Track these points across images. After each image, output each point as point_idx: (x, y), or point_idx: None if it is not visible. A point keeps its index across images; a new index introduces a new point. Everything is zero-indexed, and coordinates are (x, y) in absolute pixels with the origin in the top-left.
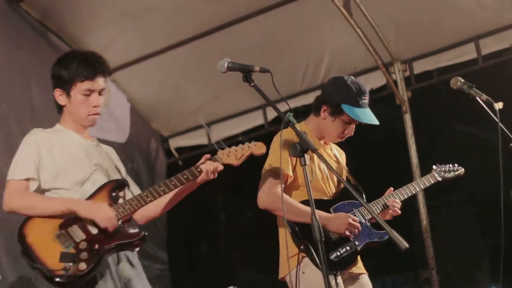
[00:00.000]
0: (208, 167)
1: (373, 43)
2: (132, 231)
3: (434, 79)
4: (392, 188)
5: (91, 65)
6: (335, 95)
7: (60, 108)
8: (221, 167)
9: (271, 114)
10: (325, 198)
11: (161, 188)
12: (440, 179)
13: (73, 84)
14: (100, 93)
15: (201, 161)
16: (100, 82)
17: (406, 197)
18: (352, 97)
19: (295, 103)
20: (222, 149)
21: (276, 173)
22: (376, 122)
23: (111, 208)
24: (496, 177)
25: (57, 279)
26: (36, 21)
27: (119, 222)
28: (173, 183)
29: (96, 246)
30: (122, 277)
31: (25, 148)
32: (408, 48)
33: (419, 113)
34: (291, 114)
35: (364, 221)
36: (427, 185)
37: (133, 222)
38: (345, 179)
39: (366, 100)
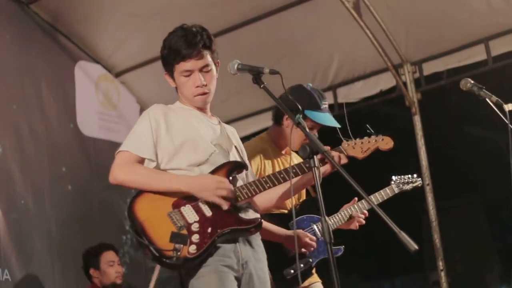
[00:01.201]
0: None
1: (383, 44)
2: (248, 217)
3: (443, 81)
4: (356, 198)
5: (182, 45)
6: (297, 102)
7: (176, 90)
8: (345, 160)
9: None
10: (286, 212)
11: (281, 175)
12: (397, 192)
13: (173, 68)
14: (202, 70)
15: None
16: (197, 59)
17: (367, 208)
18: (314, 102)
19: None
20: (348, 140)
21: None
22: (337, 124)
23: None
24: (506, 179)
25: (166, 260)
26: (46, 23)
27: (237, 204)
28: (294, 170)
29: (209, 230)
30: (240, 259)
31: (144, 124)
32: (418, 50)
33: (429, 115)
34: (301, 116)
35: (320, 237)
36: (385, 198)
37: (250, 207)
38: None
39: (326, 104)
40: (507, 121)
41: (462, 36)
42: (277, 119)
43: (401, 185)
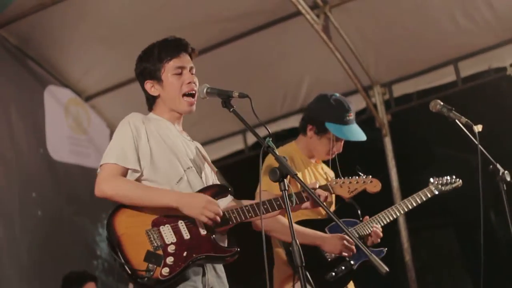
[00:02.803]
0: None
1: (353, 66)
2: (224, 244)
3: (413, 102)
4: (367, 217)
5: (173, 44)
6: (319, 114)
7: (151, 102)
8: (330, 198)
9: (251, 139)
10: (320, 218)
11: (265, 206)
12: (437, 193)
13: (161, 67)
14: (191, 71)
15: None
16: (187, 58)
17: (398, 214)
18: (335, 115)
19: (275, 127)
20: (337, 178)
21: (267, 196)
22: (363, 138)
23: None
24: (476, 199)
25: (138, 279)
26: (15, 47)
27: (214, 236)
28: (278, 203)
29: (185, 253)
30: (206, 285)
31: (126, 133)
32: (388, 71)
33: (399, 136)
34: (271, 139)
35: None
36: (424, 199)
37: (226, 235)
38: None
39: (351, 116)
40: (476, 142)
41: (431, 58)
42: (303, 129)
43: (440, 186)
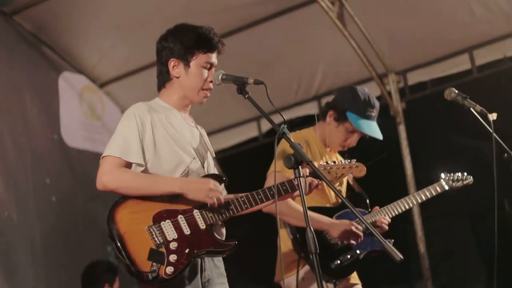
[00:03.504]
0: (308, 181)
1: (367, 54)
2: (223, 235)
3: (428, 90)
4: (378, 207)
5: (213, 39)
6: (343, 101)
7: (165, 80)
8: (320, 186)
9: (265, 126)
10: (329, 206)
11: (259, 196)
12: (447, 188)
13: (194, 54)
14: (214, 68)
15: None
16: (215, 57)
17: (408, 207)
18: (358, 107)
19: (289, 114)
20: (326, 163)
21: (280, 178)
22: (379, 136)
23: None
24: (490, 188)
25: (143, 279)
26: (30, 34)
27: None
28: (271, 192)
29: (187, 250)
30: (203, 277)
31: (131, 125)
32: (402, 59)
33: (413, 124)
34: (285, 126)
35: (367, 230)
36: (434, 194)
37: (224, 227)
38: (347, 187)
39: (374, 113)
40: (491, 130)
41: (446, 46)
42: (323, 115)
43: (451, 182)
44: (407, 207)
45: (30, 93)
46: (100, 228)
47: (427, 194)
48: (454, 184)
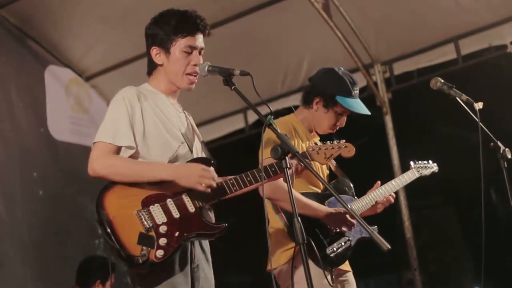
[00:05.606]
0: (297, 162)
1: (353, 45)
2: (212, 219)
3: (414, 80)
4: (379, 182)
5: (192, 21)
6: (329, 86)
7: (152, 67)
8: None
9: (252, 117)
10: (319, 191)
11: (248, 178)
12: (417, 176)
13: (173, 40)
14: (200, 52)
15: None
16: (200, 39)
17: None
18: (345, 89)
19: (275, 105)
20: (315, 144)
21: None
22: (368, 112)
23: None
24: (477, 177)
25: (135, 263)
26: (15, 27)
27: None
28: (260, 174)
29: (177, 234)
30: (192, 262)
31: (120, 109)
32: (388, 50)
33: (400, 114)
34: (272, 117)
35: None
36: (408, 181)
37: (212, 210)
38: (329, 174)
39: (357, 90)
40: (477, 120)
41: (431, 36)
42: (307, 101)
43: (420, 169)
44: (381, 197)
45: (16, 86)
46: (88, 221)
47: (402, 181)
48: (423, 171)
